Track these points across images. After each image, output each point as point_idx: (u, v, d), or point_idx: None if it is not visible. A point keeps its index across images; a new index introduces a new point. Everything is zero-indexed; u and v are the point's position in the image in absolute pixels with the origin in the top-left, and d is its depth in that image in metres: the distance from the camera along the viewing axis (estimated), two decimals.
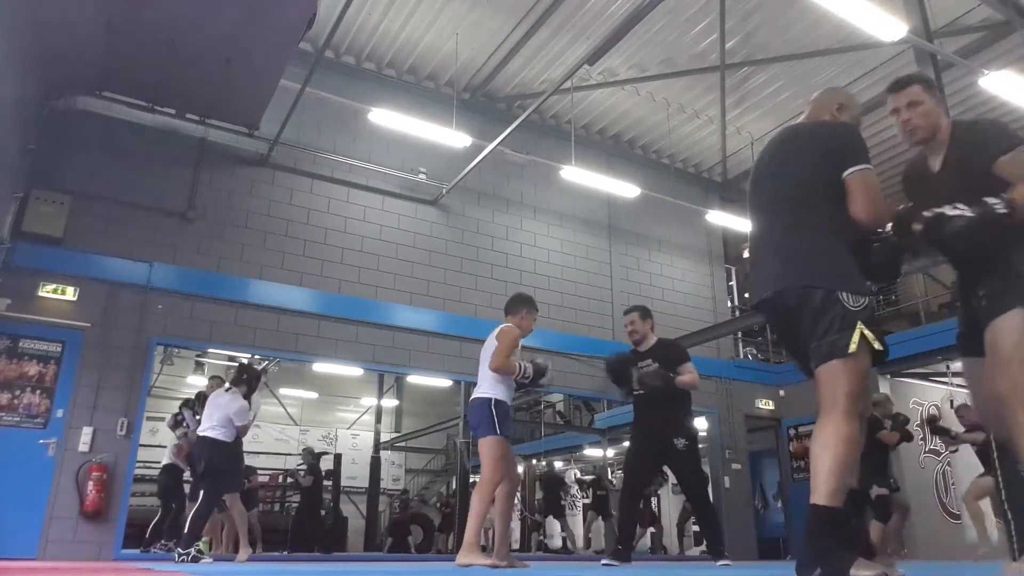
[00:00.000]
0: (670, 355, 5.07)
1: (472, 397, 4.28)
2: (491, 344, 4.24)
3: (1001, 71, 7.80)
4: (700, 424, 12.09)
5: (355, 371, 10.19)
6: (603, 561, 4.81)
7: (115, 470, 6.63)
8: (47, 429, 6.52)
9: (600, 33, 8.22)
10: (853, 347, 2.07)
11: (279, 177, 8.35)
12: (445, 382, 9.48)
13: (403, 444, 16.29)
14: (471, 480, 11.69)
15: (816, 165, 2.31)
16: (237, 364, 6.32)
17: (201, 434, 5.99)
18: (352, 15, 8.02)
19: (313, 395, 15.54)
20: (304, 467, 10.55)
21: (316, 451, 11.13)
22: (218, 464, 5.89)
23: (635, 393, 5.06)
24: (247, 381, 6.29)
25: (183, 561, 5.48)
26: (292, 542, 10.39)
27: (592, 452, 14.01)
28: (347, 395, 15.94)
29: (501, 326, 4.32)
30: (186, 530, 5.66)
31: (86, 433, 6.59)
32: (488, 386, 4.19)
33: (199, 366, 13.86)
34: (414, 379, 9.01)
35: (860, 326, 2.10)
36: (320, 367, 9.94)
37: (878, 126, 10.23)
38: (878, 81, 9.25)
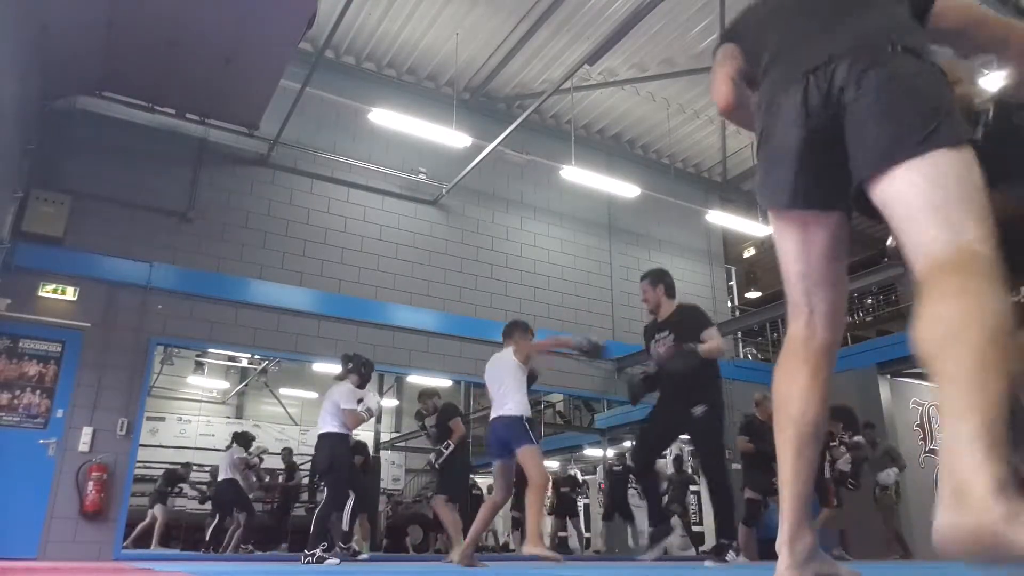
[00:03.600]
0: (690, 322, 4.62)
1: (499, 415, 4.58)
2: (498, 367, 4.76)
3: (1001, 71, 7.80)
4: None
5: None
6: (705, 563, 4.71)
7: (115, 470, 6.63)
8: (47, 429, 6.52)
9: (600, 33, 8.22)
10: None
11: (279, 177, 8.35)
12: (445, 382, 9.47)
13: (403, 444, 16.29)
14: (471, 480, 11.70)
15: None
16: (342, 356, 6.10)
17: (320, 432, 5.71)
18: (352, 15, 8.02)
19: (313, 395, 15.52)
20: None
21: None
22: (338, 458, 5.61)
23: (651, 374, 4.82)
24: (355, 369, 5.89)
25: (308, 562, 5.30)
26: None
27: (592, 452, 14.00)
28: None
29: (513, 348, 4.79)
30: (312, 530, 5.50)
31: (86, 433, 6.60)
32: (514, 404, 4.55)
33: (199, 366, 13.88)
34: (414, 379, 9.01)
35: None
36: (320, 367, 9.93)
37: None
38: None
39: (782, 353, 1.50)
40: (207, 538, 8.58)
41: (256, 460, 9.27)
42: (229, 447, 9.13)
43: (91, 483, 6.44)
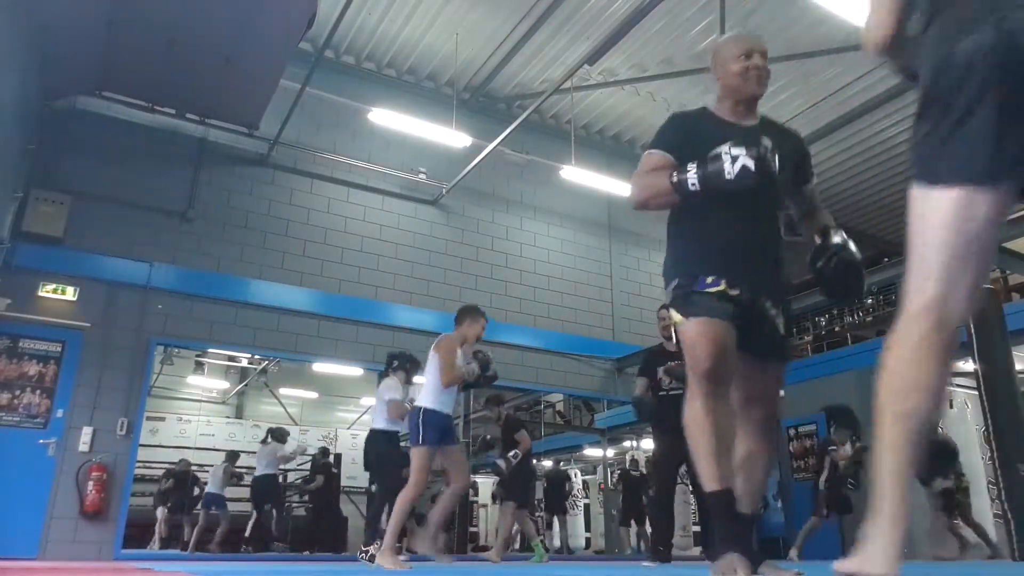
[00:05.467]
0: None
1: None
2: (432, 356, 4.43)
3: None
4: None
5: (355, 371, 10.17)
6: (643, 563, 4.81)
7: (115, 470, 6.63)
8: (47, 429, 6.52)
9: (600, 33, 8.22)
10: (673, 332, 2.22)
11: (279, 177, 8.35)
12: None
13: (403, 444, 16.25)
14: (471, 480, 11.69)
15: None
16: (387, 355, 6.17)
17: (371, 428, 5.82)
18: (352, 15, 8.01)
19: (313, 395, 15.53)
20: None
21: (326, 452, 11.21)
22: (383, 455, 5.67)
23: (661, 394, 4.93)
24: (400, 367, 5.94)
25: (363, 558, 5.29)
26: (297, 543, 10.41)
27: (592, 452, 14.00)
28: (347, 395, 15.92)
29: (440, 336, 4.53)
30: (365, 527, 5.63)
31: (86, 433, 6.60)
32: (424, 394, 4.37)
33: (199, 366, 13.86)
34: (414, 379, 9.01)
35: (673, 310, 2.16)
36: (320, 367, 9.94)
37: (878, 126, 10.25)
38: (878, 81, 9.26)
39: (906, 335, 1.29)
40: (247, 535, 8.73)
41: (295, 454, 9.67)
42: (264, 441, 9.39)
43: (91, 483, 6.44)
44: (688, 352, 2.08)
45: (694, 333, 2.06)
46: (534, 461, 8.82)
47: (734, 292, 2.08)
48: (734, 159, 1.99)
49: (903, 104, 9.51)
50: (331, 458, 10.94)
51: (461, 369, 4.34)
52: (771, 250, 2.22)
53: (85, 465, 6.52)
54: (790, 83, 9.43)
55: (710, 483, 2.00)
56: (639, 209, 2.22)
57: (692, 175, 2.05)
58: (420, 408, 4.29)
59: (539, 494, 12.58)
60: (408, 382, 5.94)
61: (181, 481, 10.26)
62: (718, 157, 2.01)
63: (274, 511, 9.06)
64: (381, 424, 5.68)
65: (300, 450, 9.96)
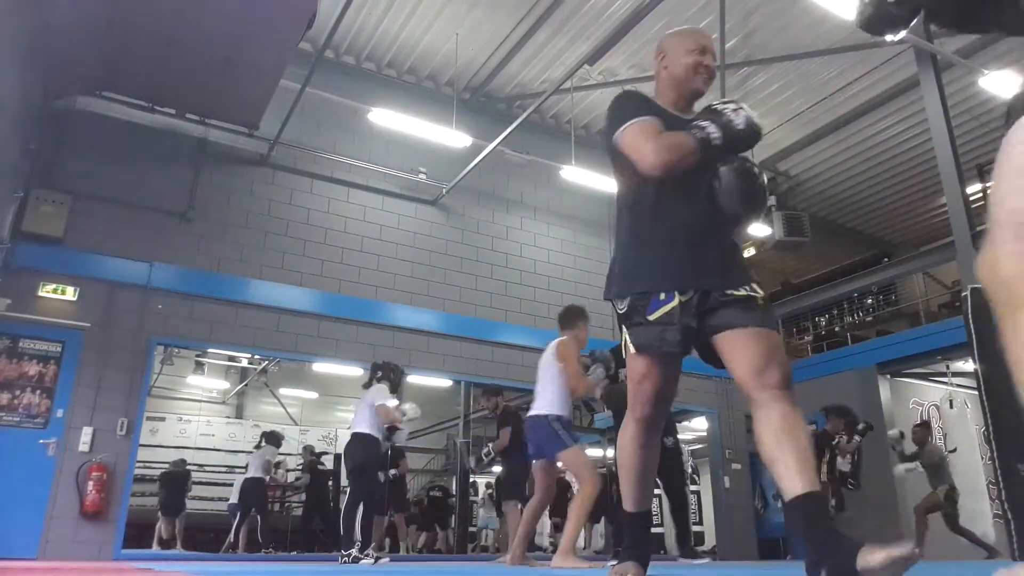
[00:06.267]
0: None
1: (530, 415, 4.42)
2: (548, 361, 4.46)
3: (1001, 71, 7.81)
4: (700, 424, 12.11)
5: (355, 371, 10.17)
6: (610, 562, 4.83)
7: (115, 470, 6.63)
8: (47, 429, 6.52)
9: (600, 33, 8.23)
10: (624, 353, 2.12)
11: (279, 177, 8.35)
12: (445, 382, 9.46)
13: (404, 444, 16.27)
14: (470, 480, 11.70)
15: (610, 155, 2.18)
16: (371, 365, 6.29)
17: (352, 432, 5.85)
18: (352, 15, 8.01)
19: (313, 395, 15.53)
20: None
21: (316, 450, 11.22)
22: (366, 459, 5.72)
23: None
24: (384, 376, 6.03)
25: (344, 562, 5.37)
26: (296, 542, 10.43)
27: (592, 452, 14.00)
28: (347, 395, 15.92)
29: (558, 341, 4.52)
30: (342, 531, 5.60)
31: (86, 433, 6.59)
32: (545, 403, 4.35)
33: (199, 366, 13.86)
34: (414, 379, 9.02)
35: (625, 331, 2.08)
36: (320, 367, 9.93)
37: (878, 126, 10.24)
38: (878, 81, 9.26)
39: None
40: (232, 538, 8.69)
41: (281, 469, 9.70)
42: (258, 446, 9.30)
43: (91, 483, 6.43)
44: (631, 387, 2.11)
45: (641, 370, 2.06)
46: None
47: (685, 297, 1.95)
48: (735, 110, 1.99)
49: (903, 104, 9.52)
50: (321, 456, 11.00)
51: (591, 377, 4.45)
52: (723, 232, 2.07)
53: (85, 465, 6.52)
54: (790, 83, 9.43)
55: (630, 506, 2.21)
56: (663, 172, 1.95)
57: (712, 128, 1.96)
58: (549, 415, 4.29)
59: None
60: (393, 391, 5.95)
61: (171, 483, 10.28)
62: (722, 112, 1.99)
63: (259, 516, 8.96)
64: (364, 428, 5.72)
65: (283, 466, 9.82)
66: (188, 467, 11.12)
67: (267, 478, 9.02)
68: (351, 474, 5.85)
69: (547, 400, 4.34)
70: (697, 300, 1.95)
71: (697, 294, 1.95)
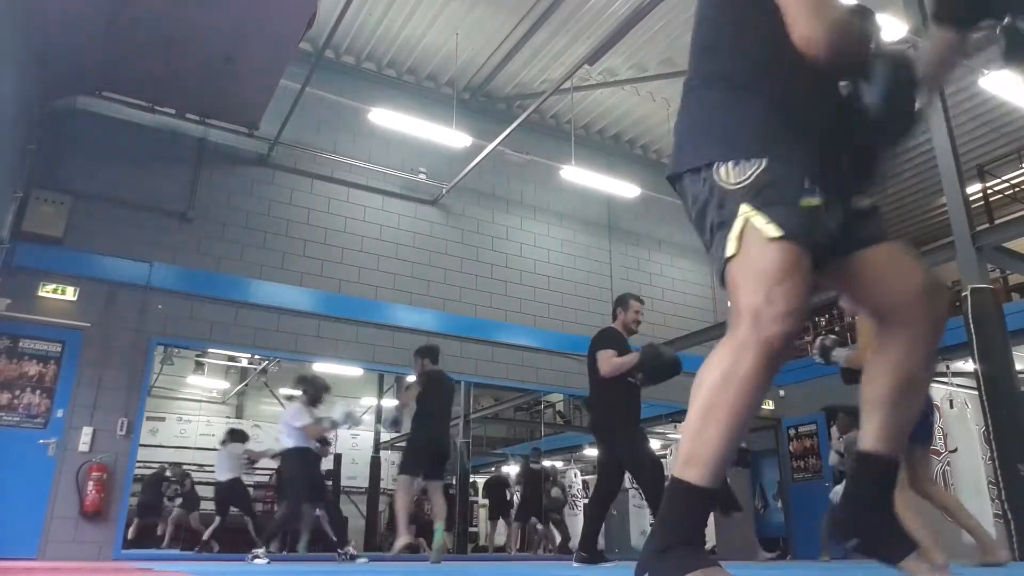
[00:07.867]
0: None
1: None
2: None
3: (1001, 71, 7.80)
4: None
5: (355, 371, 10.19)
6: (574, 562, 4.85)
7: (115, 470, 6.63)
8: (47, 429, 6.52)
9: (600, 33, 8.22)
10: (732, 247, 1.32)
11: (279, 177, 8.35)
12: None
13: (403, 444, 16.26)
14: (471, 479, 11.70)
15: None
16: (298, 377, 6.72)
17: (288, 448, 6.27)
18: (352, 15, 8.01)
19: None
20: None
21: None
22: (290, 472, 6.30)
23: (635, 380, 5.00)
24: (305, 391, 6.53)
25: (252, 561, 5.72)
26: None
27: (592, 452, 14.00)
28: (347, 395, 15.92)
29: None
30: (264, 532, 6.29)
31: (86, 433, 6.59)
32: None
33: (199, 366, 13.87)
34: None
35: (745, 211, 1.32)
36: (320, 367, 9.94)
37: None
38: None
39: None
40: (205, 538, 8.45)
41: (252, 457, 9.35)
42: (224, 443, 8.79)
43: (91, 483, 6.43)
44: (764, 286, 1.28)
45: (788, 263, 1.29)
46: (460, 437, 8.42)
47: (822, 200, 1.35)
48: None
49: None
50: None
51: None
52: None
53: (85, 465, 6.52)
54: None
55: (710, 478, 1.28)
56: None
57: None
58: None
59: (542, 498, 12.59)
60: (312, 404, 6.39)
61: (148, 486, 10.26)
62: None
63: (246, 516, 8.57)
64: (289, 443, 6.14)
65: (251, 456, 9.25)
66: (187, 467, 11.11)
67: (241, 476, 8.70)
68: (287, 487, 6.41)
69: None
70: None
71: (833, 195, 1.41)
